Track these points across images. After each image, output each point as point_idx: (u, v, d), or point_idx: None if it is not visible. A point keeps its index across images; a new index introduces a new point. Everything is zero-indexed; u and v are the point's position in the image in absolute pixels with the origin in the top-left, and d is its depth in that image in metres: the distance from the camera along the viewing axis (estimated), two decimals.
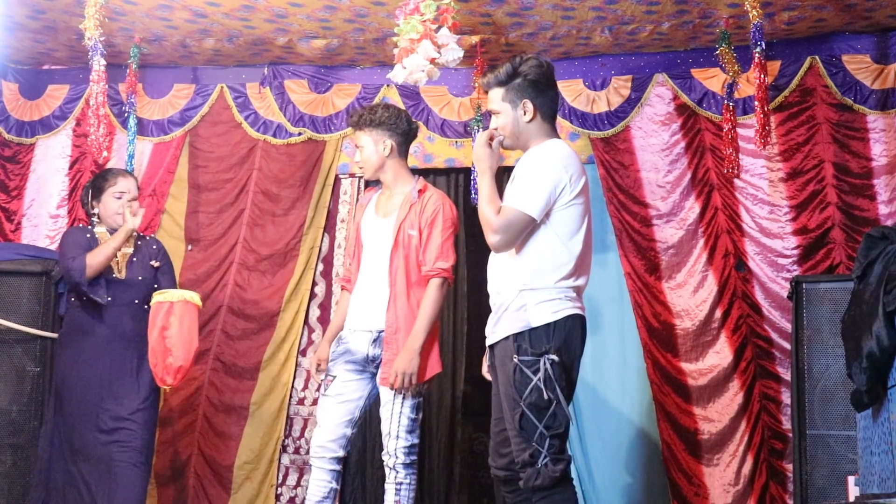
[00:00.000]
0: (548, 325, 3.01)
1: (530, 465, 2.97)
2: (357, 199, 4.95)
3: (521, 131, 3.17)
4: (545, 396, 2.97)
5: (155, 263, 4.18)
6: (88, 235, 4.10)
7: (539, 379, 2.97)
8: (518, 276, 3.08)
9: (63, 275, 4.04)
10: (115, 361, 3.99)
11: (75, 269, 3.92)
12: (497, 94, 3.17)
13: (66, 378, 3.99)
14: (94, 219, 4.15)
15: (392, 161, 3.83)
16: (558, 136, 3.23)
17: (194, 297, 4.09)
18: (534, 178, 3.06)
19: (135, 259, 4.13)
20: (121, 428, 3.95)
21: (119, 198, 4.10)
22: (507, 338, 3.06)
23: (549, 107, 3.19)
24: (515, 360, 3.00)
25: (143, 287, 4.11)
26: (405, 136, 3.87)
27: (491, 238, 3.05)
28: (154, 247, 4.25)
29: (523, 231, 3.04)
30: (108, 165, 5.05)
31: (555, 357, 2.99)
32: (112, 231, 4.11)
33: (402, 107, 5.01)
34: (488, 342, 3.20)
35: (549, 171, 3.06)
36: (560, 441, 3.01)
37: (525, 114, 3.15)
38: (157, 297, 4.01)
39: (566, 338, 3.04)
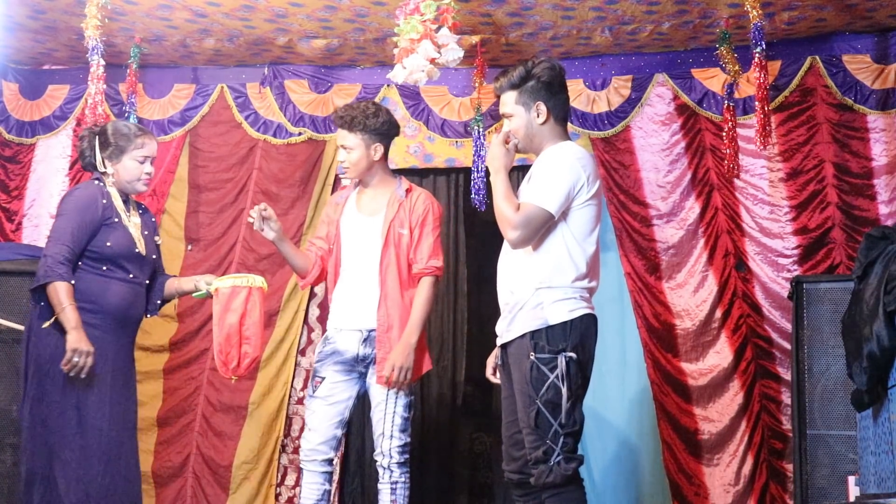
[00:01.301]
0: (564, 323, 3.03)
1: (543, 462, 2.99)
2: None
3: (535, 133, 3.19)
4: (562, 394, 2.98)
5: (158, 240, 3.85)
6: (105, 201, 3.61)
7: (556, 376, 2.99)
8: (535, 275, 3.09)
9: (46, 249, 3.55)
10: (125, 344, 3.67)
11: (52, 273, 3.44)
12: (510, 97, 3.19)
13: (61, 359, 3.48)
14: (108, 178, 3.67)
15: (379, 164, 3.86)
16: (570, 139, 3.25)
17: (265, 283, 3.71)
18: (552, 176, 3.08)
19: (146, 232, 3.74)
20: (123, 425, 3.63)
21: (142, 162, 3.67)
22: (523, 336, 3.07)
23: (561, 109, 3.21)
24: (532, 357, 3.02)
25: (153, 264, 3.79)
26: (392, 140, 3.92)
27: (510, 234, 3.07)
28: (153, 219, 3.88)
29: (542, 227, 3.06)
30: None
31: (572, 354, 3.02)
32: (123, 192, 3.66)
33: (403, 107, 5.03)
34: (501, 341, 3.20)
35: (568, 169, 3.08)
36: (574, 440, 3.03)
37: (538, 116, 3.16)
38: (232, 280, 3.62)
39: (582, 336, 3.06)
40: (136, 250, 3.63)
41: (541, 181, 3.09)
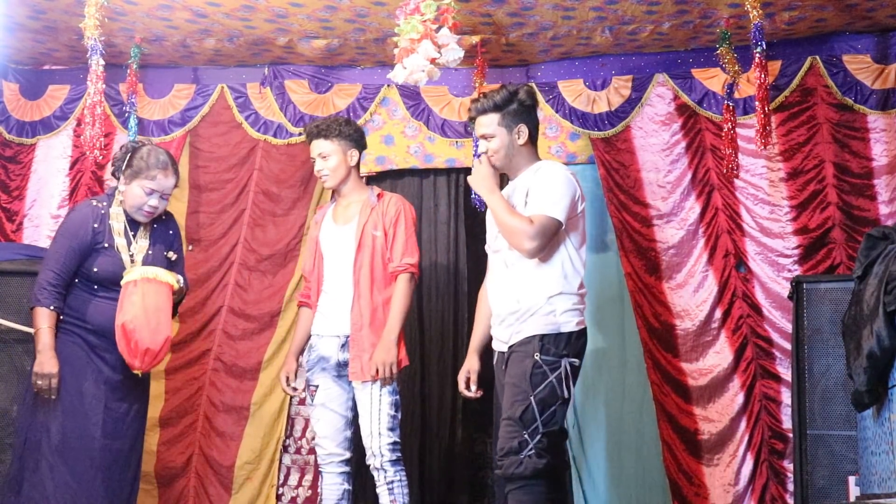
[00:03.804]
0: (572, 332, 3.22)
1: (515, 453, 3.12)
2: None
3: (514, 154, 3.38)
4: (557, 395, 3.15)
5: (171, 256, 3.84)
6: (96, 225, 3.68)
7: (556, 378, 3.15)
8: (546, 283, 3.25)
9: (40, 273, 3.67)
10: (117, 359, 3.68)
11: (34, 299, 3.60)
12: (492, 118, 3.36)
13: (62, 371, 3.61)
14: (119, 195, 3.73)
15: (353, 171, 4.02)
16: (540, 158, 3.47)
17: (161, 273, 3.65)
18: (555, 188, 3.25)
19: (150, 252, 3.76)
20: (119, 435, 3.68)
21: (149, 194, 3.69)
22: (532, 336, 3.21)
23: (536, 132, 3.45)
24: (537, 356, 3.17)
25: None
26: (362, 151, 4.08)
27: (528, 244, 3.19)
28: (170, 231, 3.88)
29: (553, 235, 3.23)
30: (108, 166, 5.02)
31: (575, 360, 3.21)
32: (128, 214, 3.71)
33: (403, 107, 5.04)
34: (504, 347, 3.30)
35: (566, 182, 3.28)
36: (548, 440, 3.14)
37: (520, 137, 3.36)
38: (125, 276, 3.63)
39: (581, 348, 3.26)
40: (123, 274, 3.67)
41: (543, 194, 3.24)
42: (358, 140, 4.03)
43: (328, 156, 3.96)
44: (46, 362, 3.57)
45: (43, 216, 5.12)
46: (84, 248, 3.66)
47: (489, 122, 3.36)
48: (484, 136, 3.38)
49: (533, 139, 3.41)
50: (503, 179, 3.51)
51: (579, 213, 3.31)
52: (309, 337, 4.03)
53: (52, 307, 3.60)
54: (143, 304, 3.58)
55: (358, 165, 4.05)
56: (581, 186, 3.37)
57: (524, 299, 3.24)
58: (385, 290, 3.88)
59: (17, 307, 4.21)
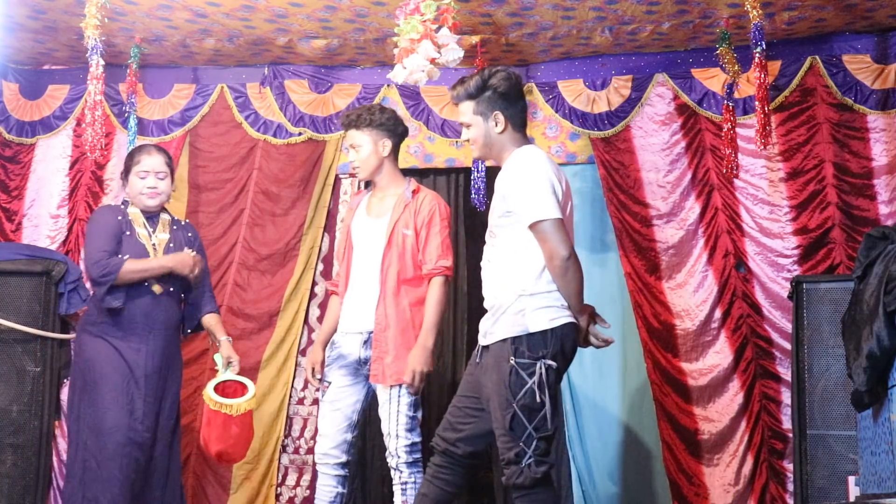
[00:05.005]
0: (545, 331, 3.09)
1: (515, 463, 3.05)
2: None
3: (494, 142, 3.26)
4: (538, 399, 3.04)
5: (193, 254, 4.00)
6: (119, 217, 3.91)
7: (534, 382, 3.04)
8: (517, 280, 3.14)
9: (87, 265, 3.86)
10: (156, 350, 3.86)
11: (110, 268, 3.75)
12: (468, 106, 3.26)
13: (96, 366, 3.78)
14: (127, 197, 4.01)
15: (388, 162, 3.87)
16: (528, 142, 3.32)
17: (253, 402, 3.96)
18: (531, 187, 3.12)
19: (171, 246, 3.95)
20: (157, 423, 3.88)
21: (143, 177, 3.90)
22: (504, 340, 3.12)
23: (519, 117, 3.28)
24: (512, 361, 3.07)
25: (179, 276, 3.93)
26: (400, 138, 3.92)
27: (560, 256, 3.06)
28: (189, 234, 4.06)
29: (562, 231, 3.09)
30: (108, 166, 5.06)
31: (552, 362, 3.07)
32: (145, 211, 3.95)
33: (403, 107, 5.03)
34: (484, 343, 3.25)
35: (541, 173, 3.14)
36: (546, 444, 3.08)
37: (496, 125, 3.23)
38: (217, 403, 3.86)
39: (562, 344, 3.11)
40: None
41: (525, 195, 3.12)
42: (391, 128, 3.83)
43: (359, 146, 3.82)
44: (169, 260, 3.88)
45: (42, 216, 5.12)
46: (117, 230, 3.86)
47: (466, 111, 3.26)
48: (463, 125, 3.30)
49: (515, 125, 3.24)
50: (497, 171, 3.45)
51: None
52: (335, 329, 3.94)
53: (124, 257, 3.80)
54: (243, 433, 3.90)
55: (394, 155, 3.88)
56: (558, 169, 3.23)
57: (499, 295, 3.17)
58: (413, 292, 3.74)
59: (17, 307, 4.22)
